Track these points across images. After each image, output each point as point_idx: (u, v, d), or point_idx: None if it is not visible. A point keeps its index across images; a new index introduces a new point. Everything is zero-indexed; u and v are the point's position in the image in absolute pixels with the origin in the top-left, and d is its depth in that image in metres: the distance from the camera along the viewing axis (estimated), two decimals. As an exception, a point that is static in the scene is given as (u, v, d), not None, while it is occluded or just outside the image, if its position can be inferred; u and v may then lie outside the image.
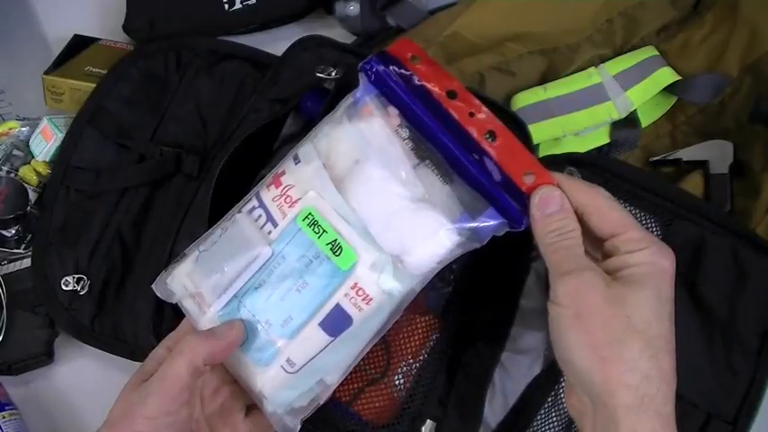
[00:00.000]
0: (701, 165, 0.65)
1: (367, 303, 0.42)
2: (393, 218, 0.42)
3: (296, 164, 0.45)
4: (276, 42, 0.70)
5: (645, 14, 0.67)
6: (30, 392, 0.65)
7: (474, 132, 0.42)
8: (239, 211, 0.46)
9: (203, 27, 0.73)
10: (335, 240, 0.42)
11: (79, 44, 0.74)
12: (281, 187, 0.44)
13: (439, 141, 0.43)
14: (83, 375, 0.66)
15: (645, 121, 0.68)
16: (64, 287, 0.63)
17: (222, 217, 0.49)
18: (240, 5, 0.74)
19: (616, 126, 0.68)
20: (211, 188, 0.58)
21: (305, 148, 0.45)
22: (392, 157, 0.43)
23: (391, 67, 0.44)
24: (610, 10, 0.66)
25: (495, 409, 0.53)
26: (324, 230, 0.42)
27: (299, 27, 0.78)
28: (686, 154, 0.66)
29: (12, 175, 0.68)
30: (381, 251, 0.42)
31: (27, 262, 0.65)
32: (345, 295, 0.42)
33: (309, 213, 0.43)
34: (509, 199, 0.42)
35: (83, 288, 0.63)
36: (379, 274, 0.42)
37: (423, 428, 0.51)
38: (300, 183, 0.44)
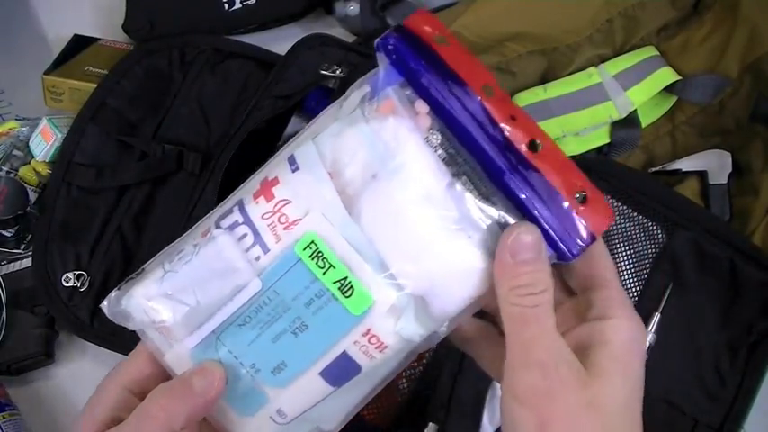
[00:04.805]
0: (700, 174, 0.65)
1: (380, 351, 0.35)
2: (419, 252, 0.34)
3: (293, 171, 0.35)
4: (276, 42, 0.70)
5: (645, 14, 0.67)
6: (30, 392, 0.65)
7: (516, 141, 0.34)
8: (217, 226, 0.36)
9: (203, 27, 0.73)
10: (345, 278, 0.34)
11: (79, 44, 0.74)
12: (274, 201, 0.35)
13: (479, 150, 0.34)
14: (83, 375, 0.66)
15: (645, 120, 0.68)
16: (64, 283, 0.63)
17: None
18: (240, 5, 0.74)
19: (616, 126, 0.68)
20: (218, 186, 0.58)
21: (304, 150, 0.36)
22: (421, 173, 0.34)
23: (414, 45, 0.34)
24: (610, 10, 0.66)
25: (494, 412, 0.53)
26: (331, 265, 0.34)
27: (298, 27, 0.78)
28: (685, 164, 0.66)
29: (11, 175, 0.68)
30: (402, 291, 0.34)
31: (27, 262, 0.65)
32: (355, 342, 0.35)
33: (312, 241, 0.34)
34: (561, 226, 0.34)
35: (83, 284, 0.63)
36: (397, 320, 0.35)
37: (425, 431, 0.51)
38: (300, 198, 0.35)
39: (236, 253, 0.35)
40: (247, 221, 0.35)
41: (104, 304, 0.38)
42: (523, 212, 0.34)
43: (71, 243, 0.64)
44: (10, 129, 0.70)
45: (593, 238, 0.34)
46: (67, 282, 0.63)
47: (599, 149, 0.69)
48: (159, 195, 0.66)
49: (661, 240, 0.55)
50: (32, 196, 0.68)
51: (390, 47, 0.34)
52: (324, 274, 0.34)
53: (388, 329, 0.35)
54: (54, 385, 0.66)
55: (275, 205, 0.35)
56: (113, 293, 0.38)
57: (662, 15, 0.68)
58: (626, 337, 0.33)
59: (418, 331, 0.35)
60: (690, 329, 0.55)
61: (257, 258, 0.35)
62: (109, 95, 0.68)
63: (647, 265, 0.55)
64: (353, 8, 0.73)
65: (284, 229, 0.35)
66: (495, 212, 0.34)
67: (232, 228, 0.36)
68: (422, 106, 0.34)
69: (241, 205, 0.36)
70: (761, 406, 0.54)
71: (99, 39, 0.75)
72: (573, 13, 0.67)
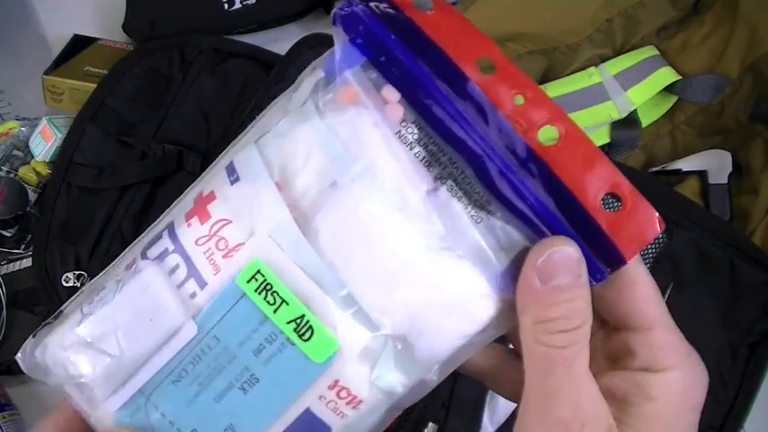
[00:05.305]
0: (700, 174, 0.65)
1: (354, 407, 0.28)
2: (395, 279, 0.27)
3: (232, 182, 0.28)
4: (276, 42, 0.70)
5: (645, 14, 0.67)
6: (29, 392, 0.65)
7: (523, 128, 0.26)
8: (143, 256, 0.29)
9: (203, 27, 0.73)
10: (302, 317, 0.27)
11: (79, 44, 0.74)
12: (210, 222, 0.28)
13: (468, 146, 0.26)
14: (82, 375, 0.66)
15: (645, 120, 0.68)
16: (64, 283, 0.63)
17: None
18: (240, 5, 0.74)
19: (616, 126, 0.67)
20: None
21: (245, 155, 0.28)
22: (392, 178, 0.27)
23: (383, 13, 0.27)
24: (609, 9, 0.66)
25: (495, 412, 0.53)
26: (283, 300, 0.27)
27: (298, 27, 0.78)
28: (685, 164, 0.66)
29: (11, 175, 0.68)
30: (376, 330, 0.27)
31: (27, 262, 0.66)
32: (320, 398, 0.27)
33: (258, 271, 0.27)
34: (581, 243, 0.26)
35: (83, 285, 0.63)
36: (372, 367, 0.28)
37: (425, 431, 0.51)
38: (241, 217, 0.28)
39: (167, 289, 0.28)
40: (179, 249, 0.28)
41: (19, 356, 0.31)
42: (525, 223, 0.27)
43: (71, 243, 0.64)
44: (10, 129, 0.70)
45: (622, 260, 0.26)
46: (67, 282, 0.63)
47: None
48: (159, 195, 0.66)
49: (661, 240, 0.55)
50: (32, 196, 0.68)
51: (350, 16, 0.26)
52: (275, 312, 0.27)
53: (362, 379, 0.27)
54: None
55: (212, 227, 0.28)
56: (28, 342, 0.30)
57: (662, 15, 0.68)
58: (676, 392, 0.26)
59: (400, 380, 0.28)
60: (690, 329, 0.54)
61: (192, 295, 0.28)
62: (109, 95, 0.68)
63: (648, 265, 0.55)
64: (353, 8, 0.73)
65: (224, 256, 0.27)
66: (493, 224, 0.27)
67: (161, 257, 0.28)
68: (391, 93, 0.27)
69: (171, 229, 0.29)
70: (761, 406, 0.54)
71: (99, 39, 0.76)
72: (573, 13, 0.67)
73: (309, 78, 0.28)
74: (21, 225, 0.67)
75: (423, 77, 0.26)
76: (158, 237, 0.29)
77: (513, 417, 0.52)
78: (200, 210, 0.28)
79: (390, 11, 0.27)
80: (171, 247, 0.28)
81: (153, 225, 0.30)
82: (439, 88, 0.26)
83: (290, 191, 0.27)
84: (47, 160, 0.68)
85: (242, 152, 0.28)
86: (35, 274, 0.64)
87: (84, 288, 0.31)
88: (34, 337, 0.30)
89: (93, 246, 0.64)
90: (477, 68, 0.26)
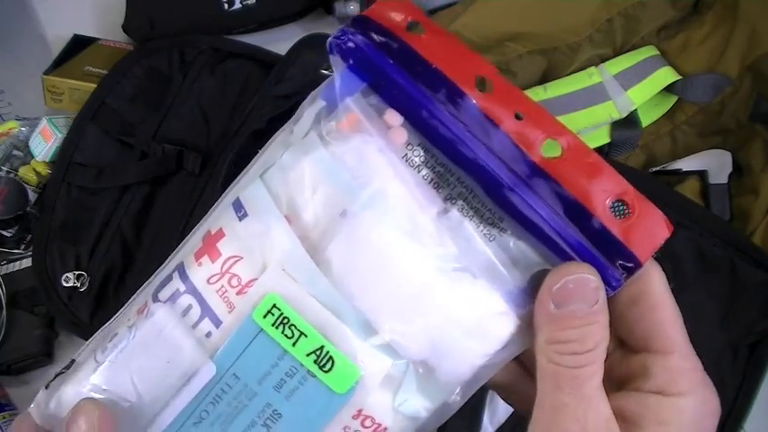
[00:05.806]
0: (700, 174, 0.65)
1: None
2: (413, 304, 0.27)
3: (240, 218, 0.28)
4: (276, 42, 0.70)
5: (645, 14, 0.67)
6: (29, 392, 0.65)
7: (525, 144, 0.27)
8: (155, 299, 0.29)
9: (203, 27, 0.73)
10: (321, 349, 0.27)
11: (79, 44, 0.74)
12: (221, 260, 0.28)
13: (475, 164, 0.27)
14: (82, 375, 0.66)
15: (645, 120, 0.68)
16: (64, 283, 0.63)
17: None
18: (240, 5, 0.74)
19: (616, 126, 0.67)
20: (218, 186, 0.58)
21: (251, 191, 0.29)
22: (401, 202, 0.27)
23: (378, 39, 0.27)
24: (609, 9, 0.66)
25: (495, 413, 0.53)
26: (301, 333, 0.27)
27: (298, 27, 0.78)
28: (685, 164, 0.66)
29: (11, 175, 0.68)
30: (397, 357, 0.27)
31: (27, 262, 0.66)
32: (345, 428, 0.28)
33: (274, 305, 0.27)
34: (588, 251, 0.27)
35: (83, 284, 0.63)
36: (395, 393, 0.28)
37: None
38: (252, 253, 0.28)
39: (181, 331, 0.28)
40: (191, 289, 0.28)
41: (33, 408, 0.30)
42: (536, 237, 0.27)
43: (71, 243, 0.64)
44: (10, 129, 0.70)
45: (637, 263, 0.26)
46: (67, 282, 0.63)
47: (599, 149, 0.69)
48: (159, 195, 0.66)
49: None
50: (32, 196, 0.68)
51: (346, 45, 0.27)
52: (294, 345, 0.27)
53: (385, 407, 0.28)
54: (54, 385, 0.66)
55: (223, 265, 0.28)
56: (41, 394, 0.30)
57: (662, 15, 0.68)
58: (688, 418, 0.26)
59: (423, 404, 0.28)
60: (690, 329, 0.55)
61: (208, 335, 0.28)
62: (109, 95, 0.68)
63: (648, 265, 0.55)
64: (353, 8, 0.73)
65: (237, 293, 0.27)
66: (506, 241, 0.27)
67: (173, 299, 0.28)
68: (393, 117, 0.27)
69: (182, 269, 0.29)
70: (761, 406, 0.54)
71: (99, 39, 0.76)
72: (573, 13, 0.67)
73: (310, 108, 0.28)
74: (21, 225, 0.67)
75: (423, 100, 0.26)
76: (169, 278, 0.29)
77: (513, 416, 0.53)
78: (209, 248, 0.28)
79: (384, 37, 0.27)
80: (182, 288, 0.28)
81: (161, 268, 0.30)
82: (440, 109, 0.26)
83: (300, 223, 0.27)
84: (47, 160, 0.68)
85: (248, 188, 0.29)
86: (35, 274, 0.64)
87: (95, 335, 0.31)
88: (47, 388, 0.30)
89: (92, 246, 0.64)
90: (476, 88, 0.27)
